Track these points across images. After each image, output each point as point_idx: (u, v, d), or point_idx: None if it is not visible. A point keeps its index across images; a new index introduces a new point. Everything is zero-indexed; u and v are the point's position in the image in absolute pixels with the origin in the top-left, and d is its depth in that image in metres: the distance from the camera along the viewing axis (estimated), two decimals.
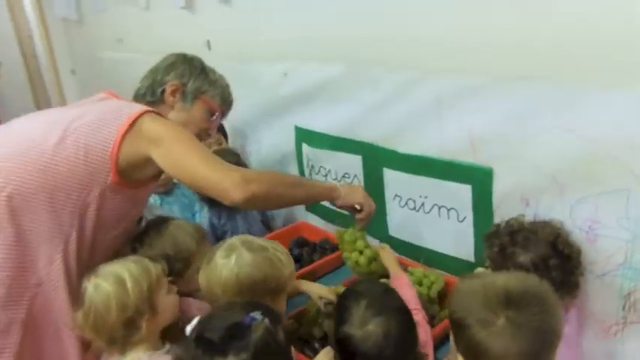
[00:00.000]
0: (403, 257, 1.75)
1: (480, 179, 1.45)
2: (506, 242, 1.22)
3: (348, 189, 1.48)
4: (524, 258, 1.18)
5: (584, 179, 1.23)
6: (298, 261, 1.87)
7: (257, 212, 2.20)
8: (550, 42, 1.21)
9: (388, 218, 1.79)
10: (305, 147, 2.04)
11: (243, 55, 2.13)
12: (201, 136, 1.48)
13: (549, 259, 1.16)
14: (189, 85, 1.42)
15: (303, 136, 2.04)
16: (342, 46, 1.71)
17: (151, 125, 1.24)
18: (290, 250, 1.94)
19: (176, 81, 1.41)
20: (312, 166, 2.04)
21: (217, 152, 2.06)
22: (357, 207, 1.50)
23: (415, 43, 1.49)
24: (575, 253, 1.20)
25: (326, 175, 1.99)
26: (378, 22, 1.57)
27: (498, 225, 1.30)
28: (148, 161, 1.23)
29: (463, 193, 1.50)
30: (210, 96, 1.45)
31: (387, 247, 1.59)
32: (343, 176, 1.91)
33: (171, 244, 1.34)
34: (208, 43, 2.35)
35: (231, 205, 1.21)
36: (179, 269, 1.32)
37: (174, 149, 1.21)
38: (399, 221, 1.75)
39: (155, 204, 2.01)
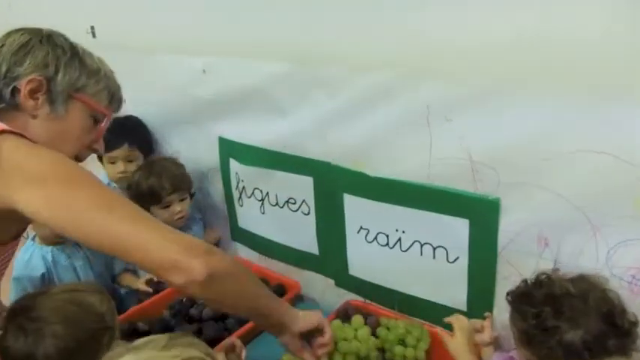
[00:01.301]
0: (371, 303, 1.41)
1: (481, 212, 1.13)
2: (548, 314, 0.91)
3: (305, 312, 1.07)
4: (573, 336, 0.88)
5: (628, 215, 0.96)
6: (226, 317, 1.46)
7: (200, 228, 1.79)
8: (573, 38, 0.92)
9: (349, 254, 1.43)
10: (233, 163, 1.61)
11: (142, 45, 1.64)
12: (83, 154, 1.04)
13: (607, 340, 0.87)
14: (57, 80, 0.94)
15: (231, 150, 1.61)
16: (288, 39, 1.30)
17: (15, 155, 0.80)
18: None
19: (35, 74, 0.92)
20: (244, 188, 1.62)
21: (156, 162, 1.63)
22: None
23: (395, 38, 1.13)
24: (634, 326, 0.92)
25: (262, 200, 1.58)
26: (340, 8, 1.19)
27: (526, 283, 0.99)
28: (9, 215, 0.80)
29: (457, 228, 1.18)
30: (91, 93, 0.99)
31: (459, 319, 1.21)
32: (287, 201, 1.51)
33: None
34: (92, 29, 1.81)
35: (181, 288, 0.82)
36: None
37: (68, 196, 0.79)
38: (365, 259, 1.40)
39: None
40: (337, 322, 1.19)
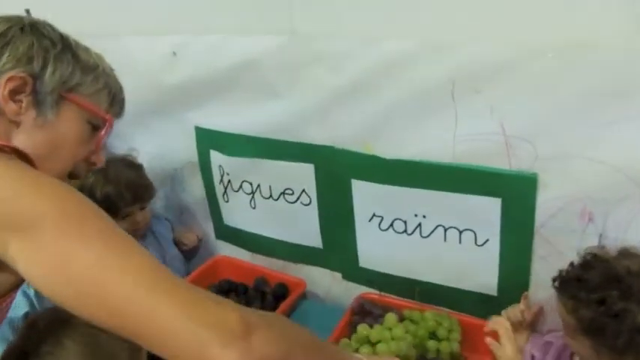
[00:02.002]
0: (387, 296, 1.31)
1: (515, 190, 1.04)
2: (614, 297, 0.83)
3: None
4: None
5: None
6: None
7: (167, 229, 1.58)
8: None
9: (359, 245, 1.31)
10: (216, 155, 1.44)
11: (101, 29, 1.41)
12: (79, 170, 0.83)
13: None
14: (45, 77, 0.74)
15: (211, 140, 1.43)
16: (280, 8, 1.14)
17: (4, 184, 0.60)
18: None
19: (17, 70, 0.72)
20: (230, 183, 1.45)
21: (111, 166, 1.40)
22: None
23: (414, 3, 1.00)
24: None
25: (252, 193, 1.42)
26: None
27: (575, 266, 0.91)
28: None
29: (487, 209, 1.08)
30: (88, 93, 0.79)
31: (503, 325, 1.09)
32: (283, 193, 1.36)
33: None
34: (27, 13, 1.55)
35: None
36: None
37: (69, 248, 0.57)
38: (378, 249, 1.28)
39: None
40: (364, 326, 1.07)
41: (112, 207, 1.35)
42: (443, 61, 1.01)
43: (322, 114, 1.19)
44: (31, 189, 0.60)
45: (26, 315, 1.16)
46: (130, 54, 1.36)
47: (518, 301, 1.15)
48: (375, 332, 1.02)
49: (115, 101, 0.85)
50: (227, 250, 1.59)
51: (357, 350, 1.02)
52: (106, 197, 1.36)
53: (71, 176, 0.80)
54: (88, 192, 1.38)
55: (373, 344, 1.02)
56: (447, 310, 1.24)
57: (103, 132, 0.82)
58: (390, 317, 1.06)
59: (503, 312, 1.14)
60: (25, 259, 0.57)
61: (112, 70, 0.85)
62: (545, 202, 1.02)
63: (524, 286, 1.13)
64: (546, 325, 1.14)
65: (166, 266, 1.44)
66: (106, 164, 1.43)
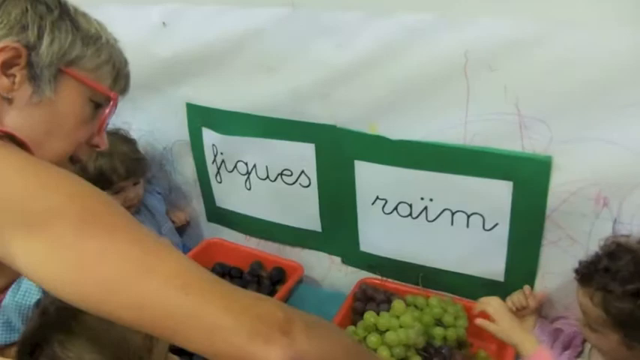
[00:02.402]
0: (389, 280, 1.27)
1: (528, 173, 1.00)
2: None
3: None
4: None
5: None
6: None
7: (160, 202, 1.52)
8: None
9: (360, 229, 1.26)
10: (208, 134, 1.37)
11: None
12: (80, 153, 0.75)
13: None
14: (42, 48, 0.65)
15: (203, 118, 1.36)
16: None
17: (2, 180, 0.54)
18: None
19: (9, 39, 0.63)
20: (224, 162, 1.39)
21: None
22: None
23: None
24: None
25: (248, 174, 1.36)
26: None
27: (600, 256, 0.88)
28: None
29: (497, 193, 1.04)
30: (90, 67, 0.70)
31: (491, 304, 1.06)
32: (281, 174, 1.30)
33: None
34: None
35: None
36: None
37: (97, 249, 0.52)
38: (381, 233, 1.24)
39: None
40: (371, 313, 1.03)
41: (105, 181, 1.30)
42: (456, 36, 0.95)
43: (324, 91, 1.13)
44: (39, 181, 0.54)
45: (37, 303, 1.09)
46: (113, 24, 1.27)
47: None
48: (383, 320, 0.98)
49: (120, 76, 0.76)
50: (219, 233, 1.53)
51: (364, 338, 0.98)
52: (99, 171, 1.29)
53: (72, 160, 0.73)
54: (80, 166, 1.31)
55: (381, 332, 0.98)
56: (451, 295, 1.21)
57: (107, 111, 0.74)
58: (398, 304, 1.02)
59: (507, 298, 1.11)
60: (35, 258, 0.51)
61: (116, 41, 0.77)
62: (559, 186, 0.98)
63: (532, 271, 1.10)
64: (554, 311, 1.11)
65: (163, 238, 1.38)
66: None
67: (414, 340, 0.99)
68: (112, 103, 0.74)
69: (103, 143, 0.76)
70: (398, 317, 1.00)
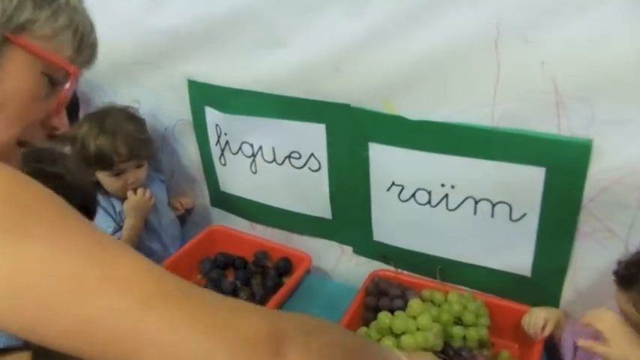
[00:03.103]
0: (404, 273, 1.18)
1: (564, 158, 0.90)
2: None
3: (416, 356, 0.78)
4: None
5: None
6: None
7: (162, 191, 1.43)
8: None
9: (374, 217, 1.17)
10: (211, 113, 1.28)
11: None
12: (33, 136, 0.60)
13: None
14: None
15: (206, 95, 1.26)
16: None
17: None
18: (209, 281, 1.24)
19: None
20: (227, 144, 1.29)
21: (109, 115, 1.28)
22: None
23: None
24: None
25: (253, 156, 1.26)
26: None
27: None
28: None
29: (528, 179, 0.94)
30: (43, 35, 0.56)
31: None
32: (289, 156, 1.21)
33: None
34: None
35: None
36: None
37: (26, 253, 0.40)
38: (396, 221, 1.14)
39: None
40: (386, 314, 0.94)
41: (105, 161, 1.23)
42: (486, 3, 0.84)
43: (336, 66, 1.03)
44: None
45: None
46: None
47: (554, 283, 1.02)
48: (399, 322, 0.89)
49: (84, 45, 0.61)
50: (223, 219, 1.44)
51: (378, 341, 0.89)
52: (100, 150, 1.22)
53: (21, 144, 0.61)
54: (81, 143, 1.23)
55: (396, 335, 0.89)
56: (472, 290, 1.11)
57: (66, 87, 0.60)
58: (415, 304, 0.93)
59: (526, 318, 1.01)
60: None
61: (80, 1, 0.62)
62: (598, 173, 0.88)
63: (563, 267, 1.00)
64: (585, 311, 1.01)
65: (163, 231, 1.28)
66: (104, 113, 1.28)
67: (432, 343, 0.90)
68: (71, 77, 0.60)
69: (63, 125, 0.62)
70: (415, 318, 0.91)
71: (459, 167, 0.99)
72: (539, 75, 0.85)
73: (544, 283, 1.03)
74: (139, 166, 1.28)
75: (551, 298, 1.04)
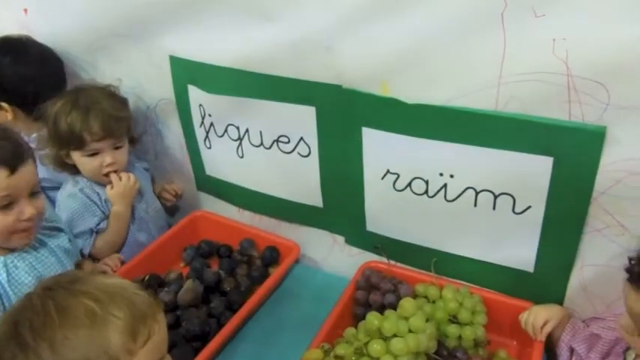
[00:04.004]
0: (397, 265, 1.11)
1: (574, 147, 0.82)
2: None
3: None
4: None
5: None
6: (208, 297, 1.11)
7: (147, 180, 1.35)
8: None
9: (367, 206, 1.09)
10: (195, 92, 1.19)
11: None
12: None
13: None
14: None
15: (190, 73, 1.18)
16: None
17: None
18: (192, 271, 1.17)
19: None
20: (212, 125, 1.21)
21: (84, 91, 1.20)
22: None
23: None
24: None
25: (240, 139, 1.18)
26: None
27: None
28: None
29: (534, 169, 0.86)
30: None
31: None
32: (277, 140, 1.13)
33: None
34: None
35: None
36: None
37: None
38: (390, 211, 1.07)
39: None
40: (375, 315, 0.86)
41: (76, 140, 1.14)
42: None
43: (327, 44, 0.94)
44: None
45: None
46: None
47: (558, 280, 0.96)
48: (389, 324, 0.81)
49: None
50: (211, 205, 1.37)
51: (365, 345, 0.82)
52: (71, 127, 1.13)
53: None
54: (53, 120, 1.15)
55: (386, 338, 0.82)
56: (468, 284, 1.05)
57: None
58: (408, 304, 0.86)
59: (525, 315, 0.95)
60: None
61: None
62: (612, 164, 0.81)
63: (568, 263, 0.93)
64: (591, 310, 0.95)
65: (150, 220, 1.20)
66: (80, 90, 1.19)
67: (426, 346, 0.83)
68: None
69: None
70: (406, 319, 0.84)
71: (459, 155, 0.91)
72: (550, 54, 0.76)
73: (547, 279, 0.96)
74: (116, 147, 1.19)
75: (554, 295, 0.98)
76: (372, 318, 0.83)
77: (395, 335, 0.82)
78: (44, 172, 1.21)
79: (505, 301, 1.02)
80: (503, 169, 0.89)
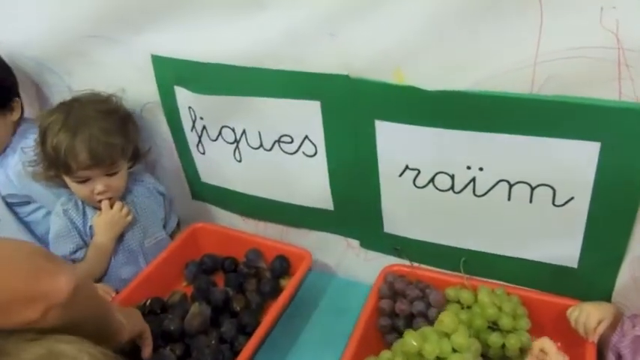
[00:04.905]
0: (420, 267, 1.01)
1: (624, 130, 0.72)
2: None
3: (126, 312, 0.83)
4: None
5: None
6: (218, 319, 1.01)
7: (159, 205, 1.20)
8: None
9: (384, 206, 0.99)
10: (182, 93, 1.07)
11: None
12: None
13: None
14: None
15: (175, 73, 1.05)
16: None
17: None
18: (196, 291, 1.07)
19: None
20: (205, 129, 1.10)
21: (78, 105, 1.07)
22: None
23: None
24: None
25: (236, 142, 1.07)
26: None
27: None
28: None
29: (578, 156, 0.76)
30: None
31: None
32: (278, 141, 1.01)
33: None
34: None
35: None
36: None
37: None
38: (411, 210, 0.97)
39: None
40: (412, 335, 0.76)
41: (62, 165, 1.00)
42: None
43: (330, 30, 0.83)
44: None
45: None
46: None
47: (605, 275, 0.87)
48: (431, 346, 0.71)
49: None
50: (209, 214, 1.26)
51: None
52: (56, 150, 0.99)
53: None
54: (41, 136, 1.02)
55: None
56: (503, 284, 0.95)
57: None
58: (448, 318, 0.76)
59: (571, 316, 0.86)
60: None
61: None
62: None
63: (618, 256, 0.84)
64: (638, 306, 0.86)
65: (143, 253, 1.11)
66: (73, 103, 1.05)
67: None
68: None
69: None
70: (448, 336, 0.74)
71: (489, 146, 0.81)
72: (596, 25, 0.66)
73: (594, 275, 0.87)
74: (113, 174, 1.05)
75: (601, 291, 0.89)
76: (410, 339, 0.73)
77: (438, 358, 0.72)
78: (10, 187, 1.12)
79: (546, 299, 0.93)
80: (541, 159, 0.79)
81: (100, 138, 0.99)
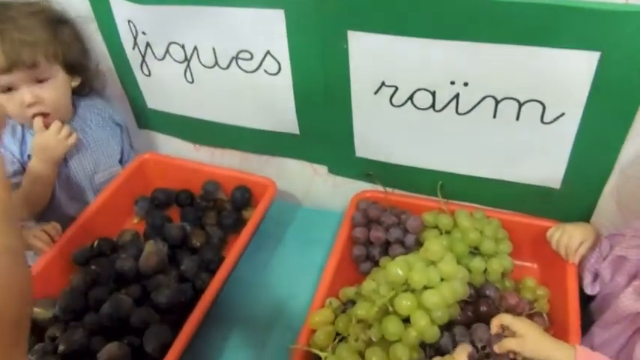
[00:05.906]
0: (394, 192, 0.95)
1: (628, 38, 0.65)
2: None
3: None
4: None
5: None
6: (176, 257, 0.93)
7: (115, 138, 1.08)
8: None
9: (356, 127, 0.91)
10: (119, 4, 0.92)
11: None
12: None
13: None
14: None
15: None
16: None
17: None
18: (150, 228, 0.98)
19: None
20: (149, 47, 0.96)
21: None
22: None
23: None
24: None
25: (187, 60, 0.94)
26: None
27: None
28: None
29: (573, 68, 0.70)
30: None
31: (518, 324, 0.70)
32: (236, 57, 0.89)
33: None
34: None
35: None
36: None
37: None
38: (386, 132, 0.89)
39: None
40: (399, 263, 0.70)
41: None
42: None
43: None
44: None
45: None
46: None
47: (587, 196, 0.83)
48: (418, 274, 0.66)
49: None
50: (158, 144, 1.15)
51: (391, 299, 0.67)
52: None
53: None
54: None
55: (413, 290, 0.67)
56: (481, 207, 0.91)
57: None
58: (434, 245, 0.70)
59: (554, 233, 0.82)
60: None
61: None
62: None
63: (604, 175, 0.80)
64: (616, 225, 0.83)
65: (94, 189, 0.98)
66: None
67: (462, 294, 0.69)
68: None
69: None
70: (435, 264, 0.69)
71: (475, 57, 0.72)
72: None
73: (576, 195, 0.84)
74: (39, 81, 0.91)
75: (582, 212, 0.86)
76: (395, 268, 0.67)
77: (425, 287, 0.67)
78: None
79: (524, 221, 0.90)
80: (532, 71, 0.71)
81: (15, 36, 0.86)
